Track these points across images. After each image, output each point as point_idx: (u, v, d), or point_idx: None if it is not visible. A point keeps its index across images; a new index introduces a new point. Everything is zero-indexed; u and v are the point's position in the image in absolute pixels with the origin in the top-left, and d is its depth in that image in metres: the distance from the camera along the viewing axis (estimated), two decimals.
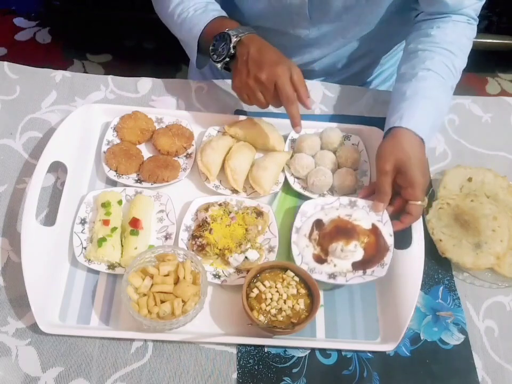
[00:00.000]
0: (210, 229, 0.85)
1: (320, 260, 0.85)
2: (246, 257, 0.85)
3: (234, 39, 0.89)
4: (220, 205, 0.89)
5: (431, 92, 0.90)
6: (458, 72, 0.95)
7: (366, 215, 0.88)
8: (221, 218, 0.87)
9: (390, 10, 1.02)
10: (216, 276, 0.84)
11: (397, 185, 0.86)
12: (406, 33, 1.04)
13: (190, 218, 0.89)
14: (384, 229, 0.86)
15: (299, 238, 0.87)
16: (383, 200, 0.86)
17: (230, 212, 0.88)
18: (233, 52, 0.90)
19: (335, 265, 0.84)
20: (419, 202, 0.84)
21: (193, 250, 0.85)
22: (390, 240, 0.85)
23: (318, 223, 0.88)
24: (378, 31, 1.09)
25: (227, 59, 0.91)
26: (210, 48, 0.93)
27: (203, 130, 1.01)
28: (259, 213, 0.88)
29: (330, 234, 0.85)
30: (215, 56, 0.93)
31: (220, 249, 0.85)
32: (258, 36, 0.92)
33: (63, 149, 0.92)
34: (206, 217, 0.87)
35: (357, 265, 0.84)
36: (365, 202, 0.89)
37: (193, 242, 0.85)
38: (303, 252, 0.86)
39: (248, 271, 0.83)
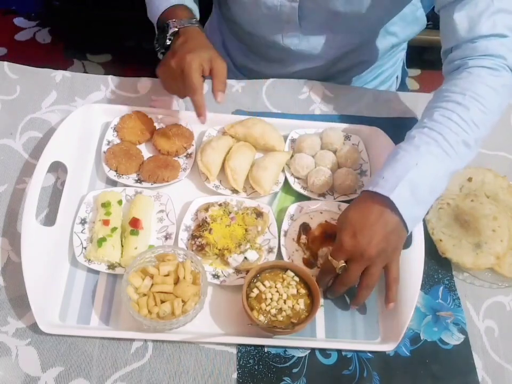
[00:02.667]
0: (210, 229, 0.85)
1: (310, 263, 0.86)
2: (245, 258, 0.85)
3: (171, 30, 0.89)
4: (220, 205, 0.89)
5: (418, 157, 0.75)
6: (471, 124, 0.77)
7: None
8: (221, 219, 0.87)
9: (382, 19, 1.02)
10: (216, 276, 0.84)
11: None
12: (405, 36, 1.05)
13: (190, 218, 0.89)
14: None
15: (287, 241, 0.88)
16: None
17: (230, 212, 0.88)
18: (168, 43, 0.90)
19: None
20: (334, 261, 0.76)
21: (192, 250, 0.85)
22: None
23: (305, 227, 0.89)
24: (372, 40, 1.09)
25: (163, 50, 0.92)
26: (155, 38, 0.94)
27: (203, 130, 1.01)
28: (259, 214, 0.88)
29: (319, 238, 0.87)
30: (156, 45, 0.94)
31: (219, 250, 0.85)
32: (200, 29, 0.91)
33: (63, 149, 0.92)
34: (206, 217, 0.87)
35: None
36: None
37: (193, 242, 0.85)
38: (293, 256, 0.87)
39: (247, 271, 0.83)
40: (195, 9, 0.98)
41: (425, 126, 0.78)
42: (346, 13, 0.96)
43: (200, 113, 0.87)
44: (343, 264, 0.76)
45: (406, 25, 1.10)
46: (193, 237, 0.86)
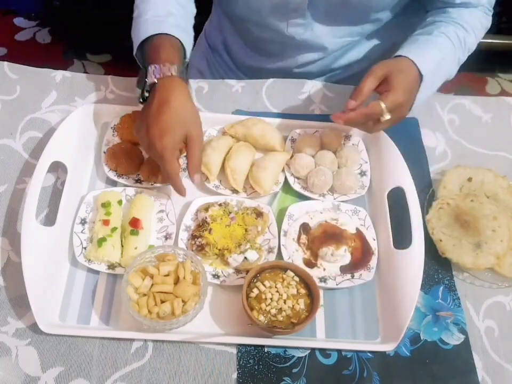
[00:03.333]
0: (210, 229, 0.85)
1: (310, 264, 0.86)
2: (245, 258, 0.84)
3: (148, 81, 0.84)
4: (220, 205, 0.89)
5: (441, 47, 0.93)
6: (467, 48, 0.97)
7: (349, 219, 0.91)
8: (221, 219, 0.87)
9: (388, 12, 1.03)
10: (216, 276, 0.84)
11: (378, 92, 0.88)
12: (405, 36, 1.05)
13: (190, 218, 0.89)
14: (368, 233, 0.90)
15: (287, 241, 0.88)
16: (356, 98, 0.85)
17: (230, 212, 0.88)
18: (146, 95, 0.86)
19: (324, 269, 0.86)
20: (384, 110, 0.84)
21: (192, 250, 0.85)
22: (373, 244, 0.88)
23: (305, 227, 0.89)
24: (377, 33, 1.10)
25: (141, 100, 0.88)
26: (137, 78, 0.91)
27: (203, 130, 1.00)
28: (259, 214, 0.88)
29: (319, 238, 0.87)
30: (138, 86, 0.90)
31: (219, 250, 0.85)
32: (181, 79, 0.84)
33: (63, 149, 0.92)
34: (206, 217, 0.87)
35: (345, 269, 0.86)
36: (348, 207, 0.92)
37: (193, 242, 0.85)
38: (293, 256, 0.87)
39: (247, 271, 0.83)
40: (187, 41, 0.91)
41: (443, 33, 0.94)
42: (354, 2, 0.97)
43: (181, 194, 0.85)
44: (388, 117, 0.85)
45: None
46: (193, 237, 0.86)
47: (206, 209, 0.88)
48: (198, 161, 0.84)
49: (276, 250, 0.87)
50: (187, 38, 0.92)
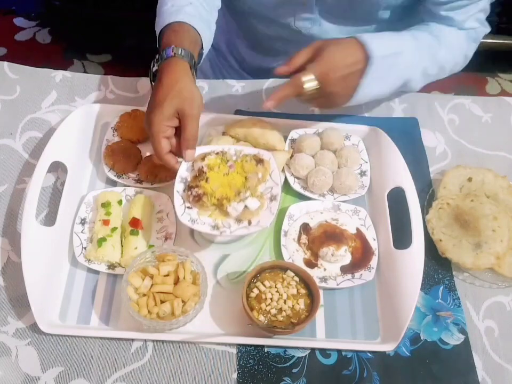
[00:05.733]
0: (207, 178, 0.80)
1: (310, 264, 0.86)
2: (245, 206, 0.80)
3: (154, 68, 0.85)
4: (217, 153, 0.84)
5: (404, 41, 0.90)
6: (437, 61, 0.94)
7: (350, 219, 0.91)
8: (218, 167, 0.82)
9: (395, 12, 1.02)
10: (215, 227, 0.80)
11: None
12: None
13: (185, 169, 0.84)
14: (368, 233, 0.90)
15: (288, 241, 0.88)
16: (287, 64, 0.83)
17: (228, 161, 0.84)
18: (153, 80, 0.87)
19: (325, 269, 0.86)
20: (307, 74, 0.80)
21: (189, 202, 0.81)
22: (374, 244, 0.88)
23: (305, 227, 0.89)
24: (383, 30, 1.09)
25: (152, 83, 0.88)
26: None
27: (203, 131, 1.01)
28: (259, 161, 0.83)
29: (320, 238, 0.87)
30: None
31: (218, 199, 0.80)
32: (181, 59, 0.83)
33: (63, 149, 0.92)
34: (202, 167, 0.81)
35: (345, 269, 0.86)
36: (348, 207, 0.92)
37: (189, 193, 0.80)
38: (293, 256, 0.87)
39: (249, 221, 0.80)
40: (203, 29, 0.91)
41: (415, 36, 0.92)
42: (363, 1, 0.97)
43: (171, 168, 0.83)
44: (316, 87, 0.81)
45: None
46: (189, 187, 0.81)
47: (203, 159, 0.83)
48: (191, 136, 0.80)
49: (278, 198, 0.82)
50: (203, 26, 0.91)
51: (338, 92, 0.85)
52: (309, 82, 0.81)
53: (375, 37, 0.87)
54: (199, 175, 0.81)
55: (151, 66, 0.86)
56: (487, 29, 1.00)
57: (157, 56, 0.85)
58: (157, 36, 0.92)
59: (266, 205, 0.82)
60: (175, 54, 0.82)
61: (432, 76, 0.96)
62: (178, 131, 0.82)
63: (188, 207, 0.81)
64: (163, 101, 0.79)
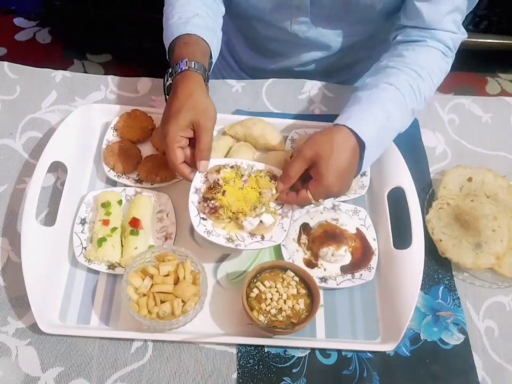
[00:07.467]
0: (224, 191, 0.82)
1: (310, 264, 0.86)
2: (261, 221, 0.82)
3: (167, 83, 0.86)
4: (232, 167, 0.86)
5: (386, 104, 0.85)
6: (422, 97, 0.89)
7: (350, 219, 0.91)
8: (234, 181, 0.83)
9: (389, 14, 1.02)
10: (230, 239, 0.82)
11: (308, 176, 0.82)
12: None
13: (200, 181, 0.85)
14: (368, 233, 0.90)
15: (288, 241, 0.88)
16: (284, 182, 0.82)
17: (243, 175, 0.85)
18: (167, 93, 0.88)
19: (325, 269, 0.86)
20: (313, 201, 0.81)
21: (204, 213, 0.82)
22: (374, 244, 0.88)
23: (305, 227, 0.90)
24: (380, 33, 1.10)
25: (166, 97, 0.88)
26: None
27: None
28: (273, 176, 0.85)
29: (320, 238, 0.87)
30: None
31: (234, 213, 0.82)
32: (195, 73, 0.84)
33: (63, 149, 0.92)
34: (218, 179, 0.83)
35: (345, 269, 0.86)
36: (348, 207, 0.92)
37: (205, 204, 0.82)
38: (293, 256, 0.87)
39: (262, 236, 0.82)
40: (210, 38, 0.91)
41: (393, 84, 0.87)
42: (357, 3, 0.97)
43: (187, 180, 0.85)
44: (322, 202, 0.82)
45: None
46: (205, 199, 0.83)
47: (218, 171, 0.84)
48: (205, 147, 0.82)
49: (290, 215, 0.84)
50: (211, 36, 0.92)
51: (342, 190, 0.84)
52: (316, 202, 0.82)
53: (360, 117, 0.83)
54: (214, 187, 0.83)
55: (164, 80, 0.88)
56: (464, 35, 0.95)
57: (170, 70, 0.87)
58: (167, 48, 0.93)
59: (278, 221, 0.84)
60: (189, 67, 0.84)
61: (419, 110, 0.92)
62: (192, 142, 0.83)
63: (203, 218, 0.83)
64: (178, 113, 0.80)
